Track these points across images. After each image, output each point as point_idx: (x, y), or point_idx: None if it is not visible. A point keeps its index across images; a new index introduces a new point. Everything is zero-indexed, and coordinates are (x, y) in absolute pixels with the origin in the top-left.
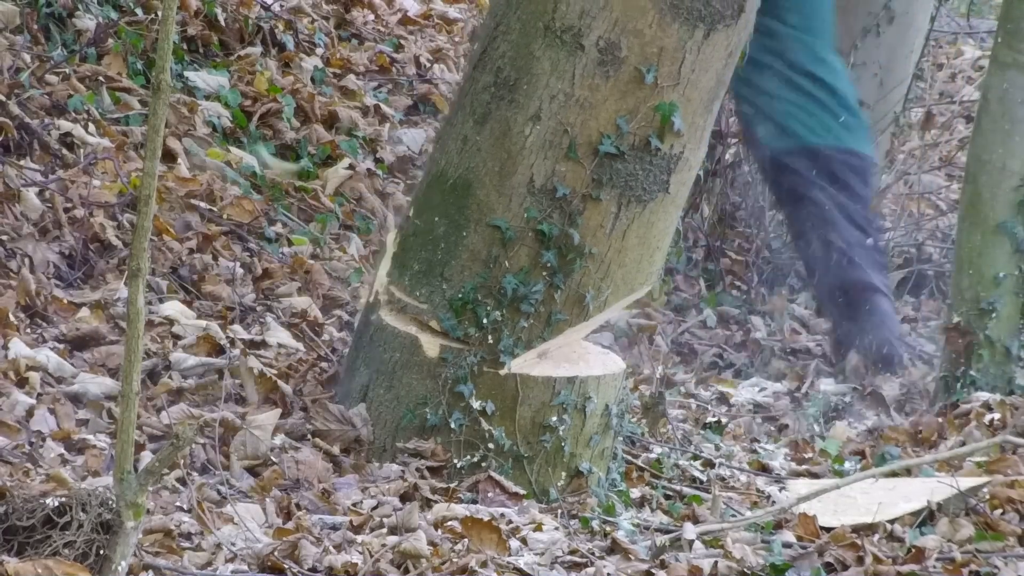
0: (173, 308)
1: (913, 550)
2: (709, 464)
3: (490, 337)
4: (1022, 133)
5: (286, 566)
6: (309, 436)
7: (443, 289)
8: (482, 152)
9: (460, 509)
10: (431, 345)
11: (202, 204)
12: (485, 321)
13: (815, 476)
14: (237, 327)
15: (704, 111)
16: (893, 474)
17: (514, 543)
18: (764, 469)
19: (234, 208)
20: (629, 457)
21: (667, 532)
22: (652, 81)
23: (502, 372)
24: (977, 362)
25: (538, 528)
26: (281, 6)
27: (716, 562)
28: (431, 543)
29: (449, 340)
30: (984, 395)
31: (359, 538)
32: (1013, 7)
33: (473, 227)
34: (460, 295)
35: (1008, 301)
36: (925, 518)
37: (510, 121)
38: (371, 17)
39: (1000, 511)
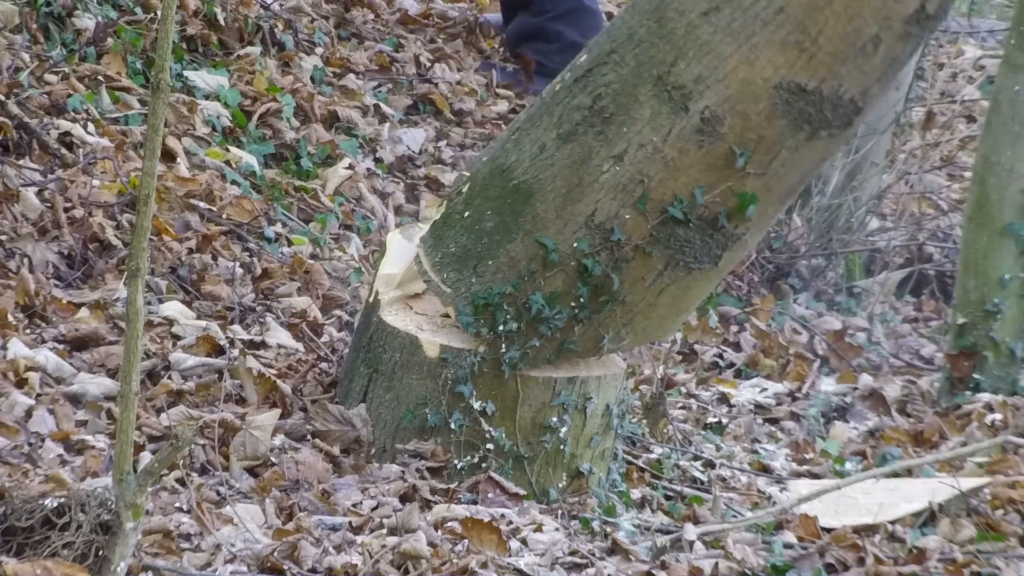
0: (173, 308)
1: (914, 551)
2: (710, 465)
3: (503, 345)
4: None
5: (286, 567)
6: (309, 437)
7: (471, 282)
8: (555, 168)
9: (460, 510)
10: (431, 345)
11: (201, 204)
12: (501, 328)
13: (816, 477)
14: (237, 327)
15: (779, 203)
16: (894, 475)
17: (514, 544)
18: (765, 470)
19: (234, 208)
20: (630, 457)
21: (668, 533)
22: (741, 165)
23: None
24: (981, 364)
25: (538, 529)
26: (281, 5)
27: (717, 563)
28: (431, 544)
29: (450, 339)
30: (986, 396)
31: (359, 539)
32: None
33: (521, 236)
34: (485, 295)
35: (1013, 303)
36: (926, 519)
37: (593, 151)
38: (371, 16)
39: (1001, 511)
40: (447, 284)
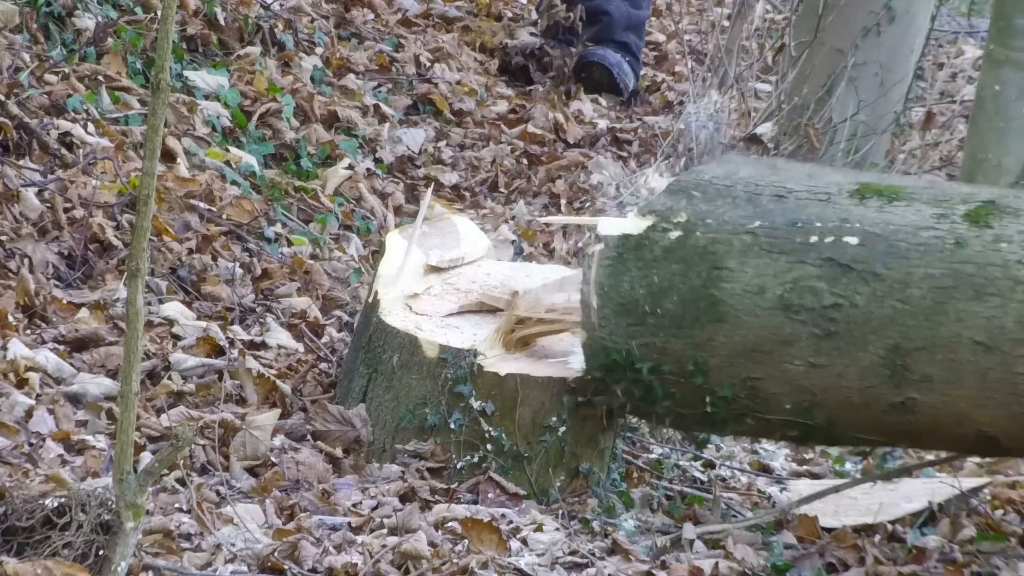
0: (173, 309)
1: (914, 551)
2: (710, 465)
3: (600, 392)
4: (1017, 131)
5: (286, 567)
6: (309, 437)
7: (620, 328)
8: (757, 321)
9: (460, 510)
10: (430, 345)
11: (201, 204)
12: (610, 386)
13: (816, 477)
14: (237, 328)
15: None
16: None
17: (514, 544)
18: (765, 470)
19: (234, 208)
20: (629, 457)
21: (668, 533)
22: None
23: (502, 373)
24: None
25: (538, 529)
26: (281, 5)
27: (717, 563)
28: (431, 544)
29: (449, 339)
30: None
31: (359, 539)
32: (1004, 3)
33: (685, 343)
34: (619, 356)
35: None
36: (926, 519)
37: (797, 342)
38: (371, 16)
39: (1001, 511)
40: (598, 305)
